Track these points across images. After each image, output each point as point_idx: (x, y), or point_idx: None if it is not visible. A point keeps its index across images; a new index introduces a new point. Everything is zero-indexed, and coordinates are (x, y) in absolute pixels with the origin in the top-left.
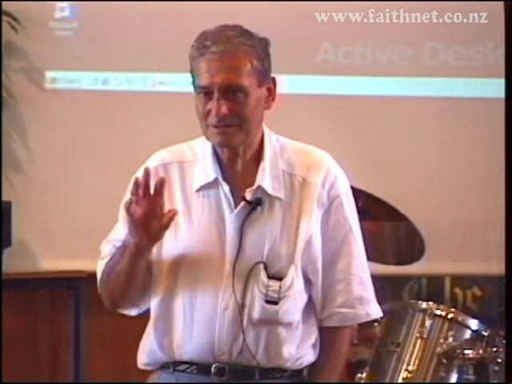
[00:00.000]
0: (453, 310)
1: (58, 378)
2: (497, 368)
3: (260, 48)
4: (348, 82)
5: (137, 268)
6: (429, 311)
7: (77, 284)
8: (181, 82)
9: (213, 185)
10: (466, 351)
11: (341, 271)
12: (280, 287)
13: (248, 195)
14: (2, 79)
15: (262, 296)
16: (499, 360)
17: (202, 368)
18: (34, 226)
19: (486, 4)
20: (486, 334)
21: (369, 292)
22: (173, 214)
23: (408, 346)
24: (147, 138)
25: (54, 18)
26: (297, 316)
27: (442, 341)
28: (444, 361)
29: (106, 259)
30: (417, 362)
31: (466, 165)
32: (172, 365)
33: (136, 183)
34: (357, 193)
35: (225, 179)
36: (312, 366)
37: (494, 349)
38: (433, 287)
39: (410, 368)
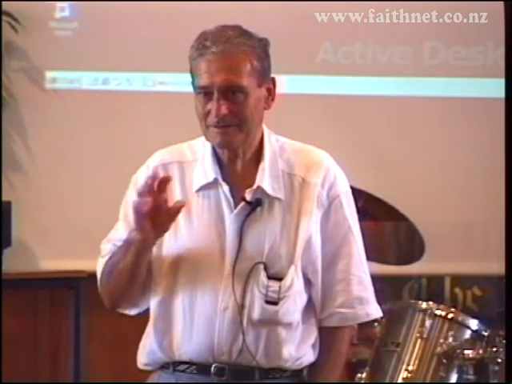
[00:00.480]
0: (453, 310)
1: (57, 378)
2: (497, 368)
3: (260, 48)
4: (348, 82)
5: (140, 265)
6: (429, 311)
7: (77, 284)
8: (181, 82)
9: (212, 185)
10: (466, 351)
11: (340, 271)
12: (280, 287)
13: (248, 195)
14: (2, 79)
15: (262, 296)
16: (499, 360)
17: (201, 368)
18: (34, 226)
19: (485, 4)
20: (486, 334)
21: (368, 292)
22: (180, 206)
23: (408, 346)
24: (147, 137)
25: (54, 18)
26: (296, 316)
27: (441, 341)
28: (444, 361)
29: (106, 258)
30: (417, 362)
31: (466, 165)
32: (172, 365)
33: (145, 183)
34: (357, 193)
35: (224, 179)
36: (312, 366)
37: (494, 349)
38: (433, 287)
39: (410, 368)
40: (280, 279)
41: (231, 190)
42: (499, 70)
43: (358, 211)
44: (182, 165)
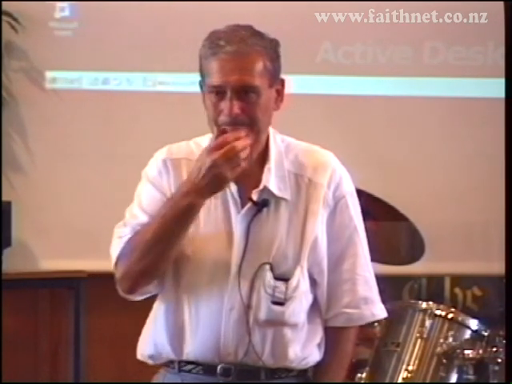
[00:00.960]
0: (453, 310)
1: (57, 378)
2: (497, 368)
3: (271, 49)
4: (348, 82)
5: (185, 231)
6: (429, 311)
7: (77, 284)
8: (181, 82)
9: None
10: (466, 351)
11: (346, 271)
12: (286, 288)
13: (254, 196)
14: (2, 79)
15: (269, 297)
16: (499, 360)
17: (207, 368)
18: (34, 225)
19: (485, 4)
20: (486, 334)
21: (373, 292)
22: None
23: (408, 346)
24: (147, 137)
25: (54, 18)
26: (302, 316)
27: (442, 341)
28: (444, 361)
29: (128, 236)
30: (417, 362)
31: (466, 165)
32: (177, 364)
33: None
34: (357, 193)
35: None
36: (317, 365)
37: (494, 349)
38: (433, 287)
39: (410, 368)
40: (286, 280)
41: (238, 190)
42: (499, 70)
43: None
44: (189, 162)
